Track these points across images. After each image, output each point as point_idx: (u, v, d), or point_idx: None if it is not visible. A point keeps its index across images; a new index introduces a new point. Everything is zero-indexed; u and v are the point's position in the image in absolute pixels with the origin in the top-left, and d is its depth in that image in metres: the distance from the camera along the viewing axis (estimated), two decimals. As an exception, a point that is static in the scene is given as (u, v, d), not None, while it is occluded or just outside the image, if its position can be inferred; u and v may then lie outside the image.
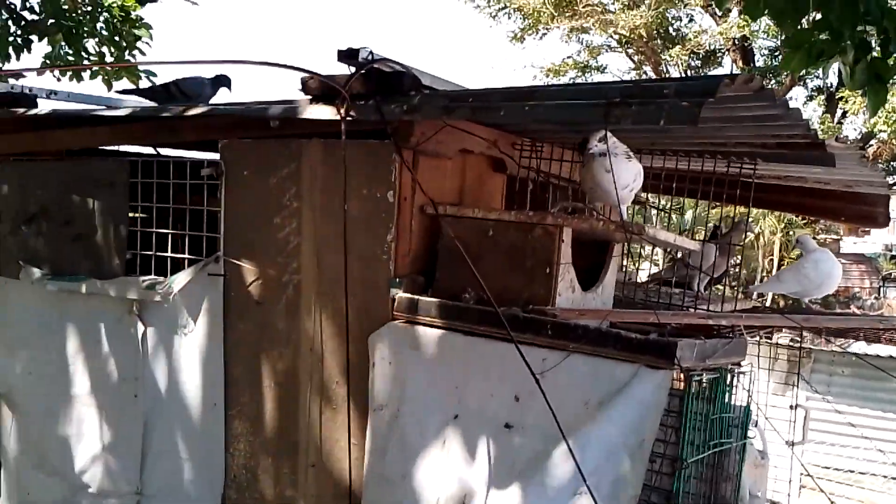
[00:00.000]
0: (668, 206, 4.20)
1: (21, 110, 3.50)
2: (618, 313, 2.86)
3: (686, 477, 2.98)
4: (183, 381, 3.34)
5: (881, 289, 31.58)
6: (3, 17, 6.71)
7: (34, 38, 6.75)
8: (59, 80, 7.26)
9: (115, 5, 7.09)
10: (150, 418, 3.40)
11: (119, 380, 3.43)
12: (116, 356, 3.44)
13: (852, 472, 10.56)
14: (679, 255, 4.03)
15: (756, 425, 4.06)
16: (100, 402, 3.50)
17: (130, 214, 3.46)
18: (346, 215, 2.89)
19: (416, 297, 2.89)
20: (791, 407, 4.68)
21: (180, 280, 3.27)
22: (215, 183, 3.23)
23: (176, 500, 3.39)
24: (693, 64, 20.83)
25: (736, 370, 2.91)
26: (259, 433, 3.23)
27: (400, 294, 2.91)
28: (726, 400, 2.82)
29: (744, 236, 3.71)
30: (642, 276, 4.62)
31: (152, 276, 3.37)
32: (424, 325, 2.84)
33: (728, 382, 2.81)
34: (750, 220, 3.67)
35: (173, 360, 3.36)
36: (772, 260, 22.63)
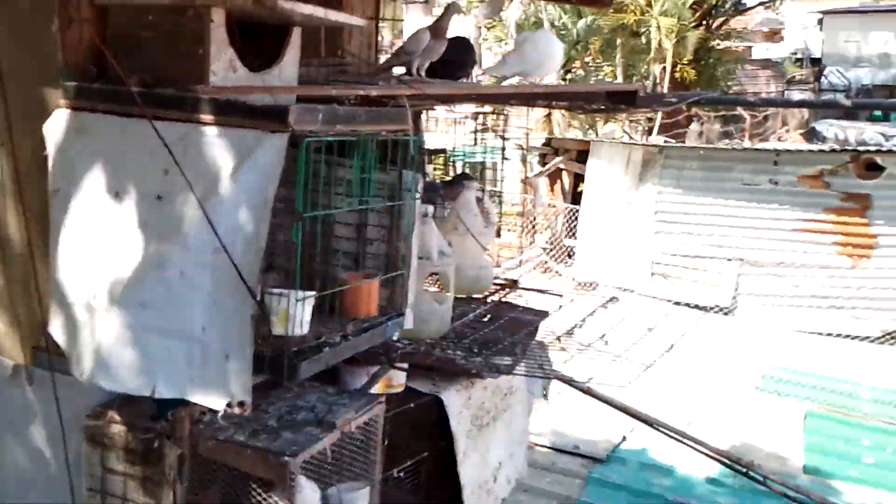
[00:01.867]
0: None
1: None
2: (257, 89, 3.01)
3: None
4: None
5: (784, 92, 32.35)
6: None
7: None
8: None
9: None
10: None
11: None
12: None
13: (697, 256, 11.31)
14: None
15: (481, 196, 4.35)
16: None
17: None
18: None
19: (81, 84, 3.01)
20: (522, 181, 4.96)
21: None
22: None
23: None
24: None
25: (400, 137, 3.12)
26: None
27: (68, 83, 3.02)
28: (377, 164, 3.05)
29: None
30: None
31: None
32: (88, 110, 2.98)
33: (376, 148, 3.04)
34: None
35: None
36: (665, 67, 22.58)
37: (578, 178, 11.81)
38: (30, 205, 3.17)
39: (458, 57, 4.43)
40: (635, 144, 12.32)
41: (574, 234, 11.85)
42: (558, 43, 4.09)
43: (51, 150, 3.04)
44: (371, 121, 2.98)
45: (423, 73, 3.93)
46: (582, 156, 11.68)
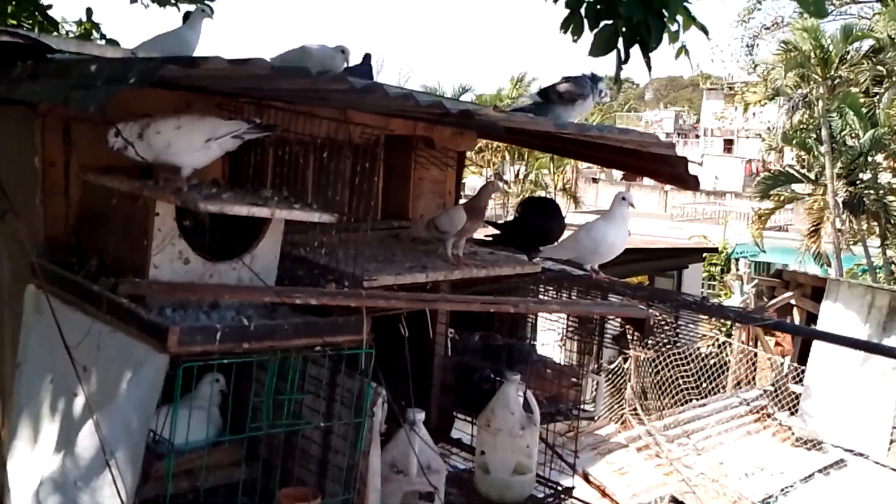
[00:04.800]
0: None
1: None
2: (196, 287, 2.80)
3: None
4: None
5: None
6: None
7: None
8: None
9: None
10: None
11: None
12: None
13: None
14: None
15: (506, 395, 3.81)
16: None
17: None
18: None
19: (40, 261, 2.99)
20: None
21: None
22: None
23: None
24: None
25: (345, 349, 2.80)
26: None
27: (37, 259, 3.03)
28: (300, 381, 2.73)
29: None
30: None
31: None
32: (44, 290, 2.96)
33: (302, 363, 2.72)
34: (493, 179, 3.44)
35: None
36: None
37: (811, 318, 10.47)
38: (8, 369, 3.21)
39: (544, 224, 4.03)
40: (881, 289, 10.74)
41: (801, 380, 10.49)
42: (616, 231, 3.58)
43: (24, 322, 3.06)
44: (300, 334, 2.67)
45: (459, 254, 3.57)
46: (817, 293, 10.37)
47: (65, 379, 2.77)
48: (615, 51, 3.64)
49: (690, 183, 3.62)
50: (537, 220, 4.02)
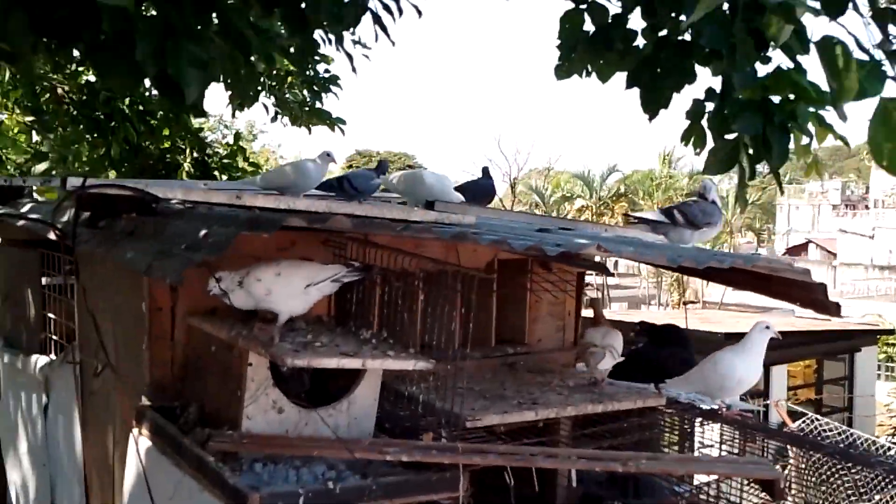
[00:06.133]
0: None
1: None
2: (278, 443, 2.70)
3: None
4: (64, 448, 3.78)
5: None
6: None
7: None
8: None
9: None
10: (53, 476, 3.89)
11: (34, 445, 3.97)
12: (34, 423, 3.97)
13: None
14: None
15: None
16: (31, 460, 4.07)
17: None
18: (95, 321, 3.08)
19: (144, 408, 3.00)
20: None
21: (52, 364, 3.71)
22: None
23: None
24: None
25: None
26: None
27: (139, 403, 3.04)
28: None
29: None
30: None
31: (51, 357, 3.85)
32: (143, 436, 2.96)
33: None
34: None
35: (58, 429, 3.81)
36: None
37: None
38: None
39: (670, 355, 3.76)
40: None
41: None
42: (747, 365, 3.26)
43: (127, 465, 3.07)
44: (391, 494, 2.53)
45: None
46: None
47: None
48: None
49: (832, 309, 3.27)
50: (662, 351, 3.75)
